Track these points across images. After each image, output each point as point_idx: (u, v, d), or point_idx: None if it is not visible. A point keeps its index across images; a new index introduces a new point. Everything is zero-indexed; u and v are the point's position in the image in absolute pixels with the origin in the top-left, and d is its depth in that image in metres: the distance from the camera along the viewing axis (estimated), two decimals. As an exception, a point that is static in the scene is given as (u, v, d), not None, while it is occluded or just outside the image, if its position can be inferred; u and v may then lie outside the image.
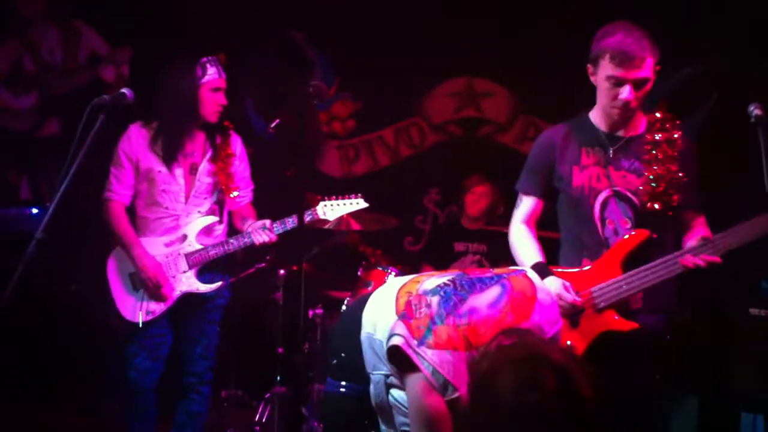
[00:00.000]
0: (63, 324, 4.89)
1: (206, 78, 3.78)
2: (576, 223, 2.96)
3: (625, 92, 2.82)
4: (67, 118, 5.11)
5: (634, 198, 2.89)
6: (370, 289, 4.28)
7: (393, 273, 4.40)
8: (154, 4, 5.32)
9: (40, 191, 5.18)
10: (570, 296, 2.79)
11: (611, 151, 2.93)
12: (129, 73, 5.25)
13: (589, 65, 2.92)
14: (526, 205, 3.06)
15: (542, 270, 2.84)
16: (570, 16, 5.22)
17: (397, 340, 2.25)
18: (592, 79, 2.93)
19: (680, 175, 2.87)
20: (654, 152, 2.89)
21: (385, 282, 4.30)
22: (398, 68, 5.62)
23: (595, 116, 3.00)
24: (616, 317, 2.85)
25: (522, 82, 5.72)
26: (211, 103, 3.80)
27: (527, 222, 3.06)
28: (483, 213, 5.19)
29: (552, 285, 2.80)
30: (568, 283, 2.83)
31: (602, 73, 2.85)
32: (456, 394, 2.20)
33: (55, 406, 4.84)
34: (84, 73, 5.23)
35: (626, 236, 2.86)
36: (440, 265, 5.00)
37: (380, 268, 4.47)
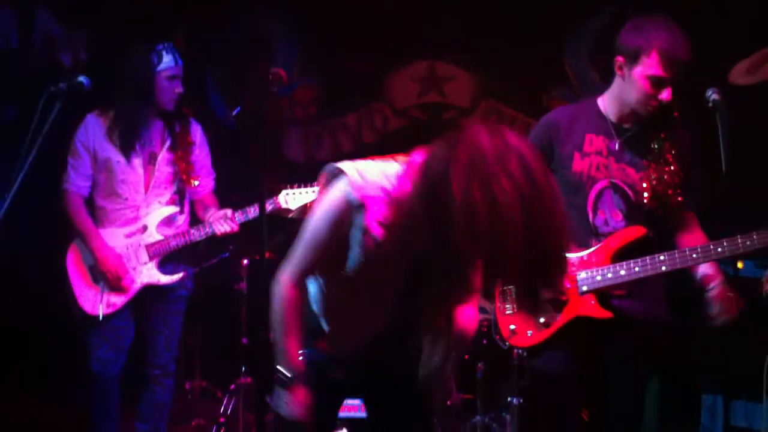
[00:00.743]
0: (25, 315, 4.81)
1: (162, 66, 3.73)
2: (567, 208, 2.94)
3: (666, 93, 2.81)
4: (23, 105, 5.00)
5: (629, 191, 2.90)
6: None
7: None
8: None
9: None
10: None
11: (616, 143, 2.92)
12: (87, 58, 5.15)
13: (621, 57, 2.86)
14: None
15: None
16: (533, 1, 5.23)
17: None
18: (620, 71, 2.88)
19: (681, 175, 2.88)
20: (657, 149, 2.89)
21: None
22: (361, 53, 5.57)
23: (606, 104, 2.97)
24: (593, 302, 2.87)
25: (485, 66, 5.70)
26: (168, 91, 3.75)
27: None
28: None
29: None
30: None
31: (644, 70, 2.81)
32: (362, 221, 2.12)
33: (22, 397, 4.77)
34: (40, 57, 5.11)
35: (622, 229, 2.87)
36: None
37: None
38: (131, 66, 3.72)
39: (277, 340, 2.27)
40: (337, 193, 2.16)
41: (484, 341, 4.24)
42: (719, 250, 2.76)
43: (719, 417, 4.24)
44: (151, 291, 3.78)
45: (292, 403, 2.26)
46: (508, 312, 2.99)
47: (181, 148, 3.83)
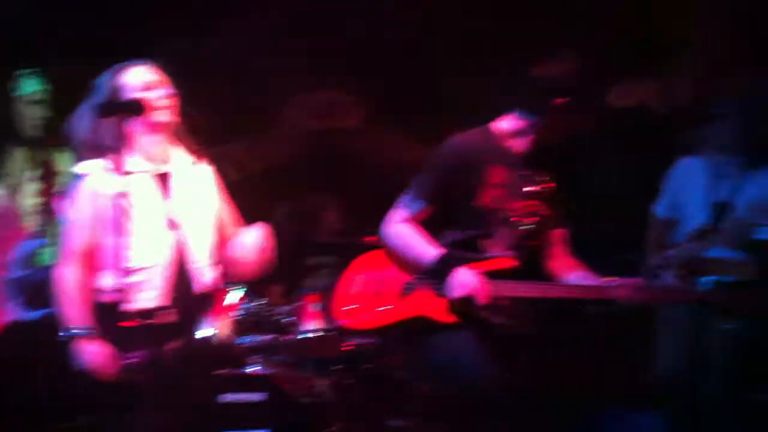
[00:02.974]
0: None
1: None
2: (463, 243, 2.93)
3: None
4: None
5: (522, 221, 2.95)
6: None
7: (240, 289, 4.26)
8: None
9: None
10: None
11: (515, 172, 2.95)
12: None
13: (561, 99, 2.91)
14: (415, 208, 2.99)
15: (454, 260, 2.84)
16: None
17: None
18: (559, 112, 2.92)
19: (550, 212, 2.97)
20: (530, 188, 2.97)
21: (229, 299, 4.25)
22: (248, 80, 5.50)
23: (504, 133, 2.99)
24: (441, 304, 2.87)
25: (374, 91, 5.70)
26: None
27: (410, 224, 3.01)
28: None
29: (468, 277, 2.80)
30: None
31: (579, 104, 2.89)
32: None
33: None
34: None
35: (495, 264, 2.89)
36: (293, 279, 4.94)
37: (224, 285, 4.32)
38: None
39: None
40: None
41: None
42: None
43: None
44: None
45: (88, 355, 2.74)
46: (350, 293, 3.02)
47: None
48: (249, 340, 4.17)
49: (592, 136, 2.98)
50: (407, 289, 2.92)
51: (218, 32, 5.33)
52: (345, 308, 3.00)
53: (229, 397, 3.90)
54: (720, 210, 3.66)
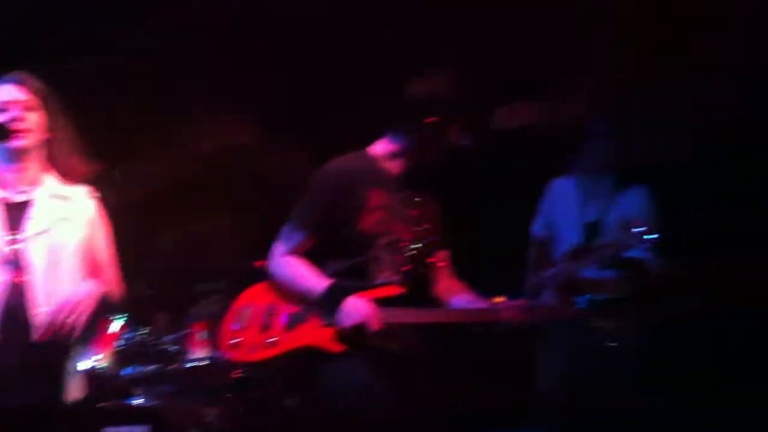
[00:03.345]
0: None
1: None
2: (347, 270, 2.87)
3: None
4: None
5: (404, 246, 2.92)
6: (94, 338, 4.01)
7: (121, 319, 4.13)
8: None
9: None
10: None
11: (394, 195, 2.92)
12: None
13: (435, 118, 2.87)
14: (297, 239, 2.90)
15: (344, 290, 2.79)
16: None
17: None
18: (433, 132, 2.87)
19: (435, 236, 2.95)
20: (412, 210, 2.95)
21: (110, 329, 4.13)
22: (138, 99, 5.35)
23: (383, 155, 2.95)
24: (329, 333, 2.83)
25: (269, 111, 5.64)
26: None
27: (294, 256, 2.93)
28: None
29: (360, 305, 2.77)
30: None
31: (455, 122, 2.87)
32: None
33: None
34: None
35: (382, 286, 2.86)
36: (178, 307, 4.83)
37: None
38: None
39: None
40: None
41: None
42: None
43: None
44: None
45: None
46: (234, 326, 2.91)
47: None
48: (132, 370, 4.04)
49: (475, 155, 2.97)
50: (294, 320, 2.87)
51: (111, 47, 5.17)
52: (231, 341, 2.90)
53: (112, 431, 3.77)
54: (591, 230, 3.76)
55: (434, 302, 3.03)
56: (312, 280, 2.86)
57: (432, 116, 2.85)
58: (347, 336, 2.77)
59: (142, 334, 4.12)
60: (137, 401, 3.88)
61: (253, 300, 2.95)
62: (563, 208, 3.91)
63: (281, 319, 2.87)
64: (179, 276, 5.10)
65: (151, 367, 4.07)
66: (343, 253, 2.88)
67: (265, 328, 2.87)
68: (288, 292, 2.90)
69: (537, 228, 4.02)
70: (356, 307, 2.77)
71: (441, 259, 3.04)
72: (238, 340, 2.88)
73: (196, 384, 4.12)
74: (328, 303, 2.79)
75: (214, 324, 4.21)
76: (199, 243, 5.07)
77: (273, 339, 2.84)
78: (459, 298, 3.00)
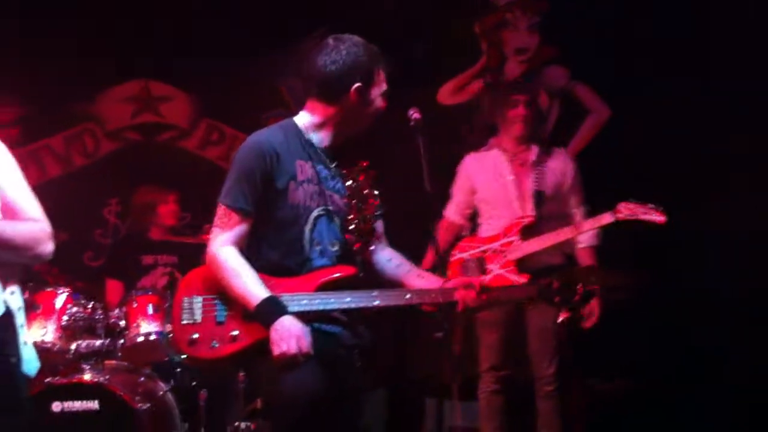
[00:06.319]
0: None
1: None
2: (281, 245, 2.73)
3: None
4: None
5: (340, 220, 2.78)
6: (38, 312, 3.91)
7: (65, 293, 4.04)
8: None
9: None
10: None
11: (323, 167, 2.78)
12: None
13: (358, 81, 2.71)
14: (238, 222, 2.70)
15: (279, 306, 2.64)
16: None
17: None
18: (359, 96, 2.72)
19: (376, 203, 2.82)
20: (355, 185, 2.81)
21: (54, 303, 4.02)
22: (64, 71, 5.23)
23: (313, 128, 2.79)
24: None
25: (202, 85, 5.58)
26: None
27: (237, 244, 2.70)
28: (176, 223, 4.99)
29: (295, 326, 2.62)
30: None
31: (379, 89, 2.76)
32: None
33: None
34: None
35: (333, 267, 2.74)
36: (127, 280, 4.73)
37: (50, 288, 4.07)
38: None
39: None
40: None
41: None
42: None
43: (442, 418, 4.45)
44: None
45: None
46: (187, 321, 2.71)
47: None
48: (79, 345, 3.97)
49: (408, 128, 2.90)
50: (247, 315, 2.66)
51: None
52: (188, 338, 2.68)
53: (60, 406, 3.73)
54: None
55: (378, 280, 2.89)
56: (249, 287, 2.66)
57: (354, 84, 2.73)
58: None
59: (88, 307, 4.04)
60: (86, 377, 3.83)
61: (198, 289, 2.74)
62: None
63: (237, 310, 2.69)
64: (126, 247, 5.04)
65: (99, 342, 4.01)
66: (276, 230, 2.73)
67: (219, 321, 2.70)
68: (228, 292, 2.70)
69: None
70: (288, 332, 2.59)
71: (378, 230, 2.90)
72: (195, 336, 2.69)
73: (146, 359, 4.08)
74: (262, 318, 2.62)
75: (163, 297, 4.18)
76: (145, 213, 4.97)
77: (235, 332, 2.67)
78: (409, 276, 2.88)
